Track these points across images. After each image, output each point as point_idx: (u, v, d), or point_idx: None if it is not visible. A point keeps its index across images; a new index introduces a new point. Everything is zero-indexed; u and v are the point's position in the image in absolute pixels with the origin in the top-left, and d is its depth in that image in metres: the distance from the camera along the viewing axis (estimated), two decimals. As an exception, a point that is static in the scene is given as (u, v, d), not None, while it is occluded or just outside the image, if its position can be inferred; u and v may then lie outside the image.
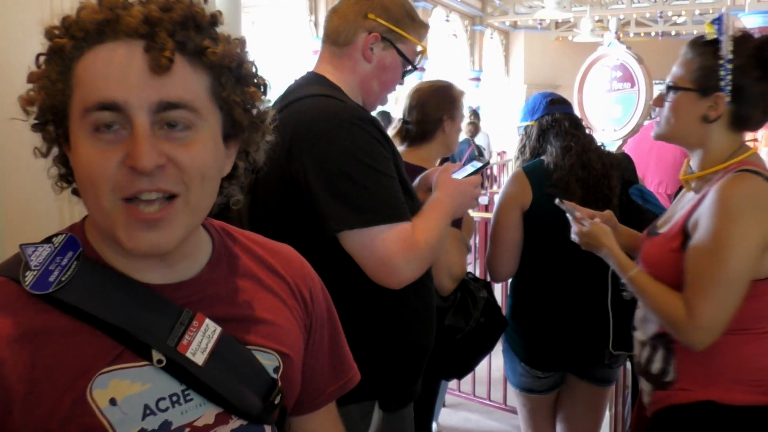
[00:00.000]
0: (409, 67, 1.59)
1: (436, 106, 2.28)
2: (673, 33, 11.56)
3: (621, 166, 2.13)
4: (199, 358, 0.78)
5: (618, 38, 4.16)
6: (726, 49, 1.46)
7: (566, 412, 2.27)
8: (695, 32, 11.21)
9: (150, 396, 0.76)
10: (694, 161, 1.59)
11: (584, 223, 1.76)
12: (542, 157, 2.13)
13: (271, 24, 9.55)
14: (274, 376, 0.86)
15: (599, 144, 2.23)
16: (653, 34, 11.63)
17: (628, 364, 2.32)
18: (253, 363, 0.84)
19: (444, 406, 3.60)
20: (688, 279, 1.44)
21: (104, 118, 0.71)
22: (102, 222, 0.75)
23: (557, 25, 12.02)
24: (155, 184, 0.72)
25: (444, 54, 11.42)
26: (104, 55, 0.72)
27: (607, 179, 2.05)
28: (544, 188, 2.05)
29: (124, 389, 0.74)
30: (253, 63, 0.84)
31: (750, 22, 6.38)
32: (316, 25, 7.80)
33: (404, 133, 2.34)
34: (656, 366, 1.56)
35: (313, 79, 1.55)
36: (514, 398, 2.38)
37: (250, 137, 0.86)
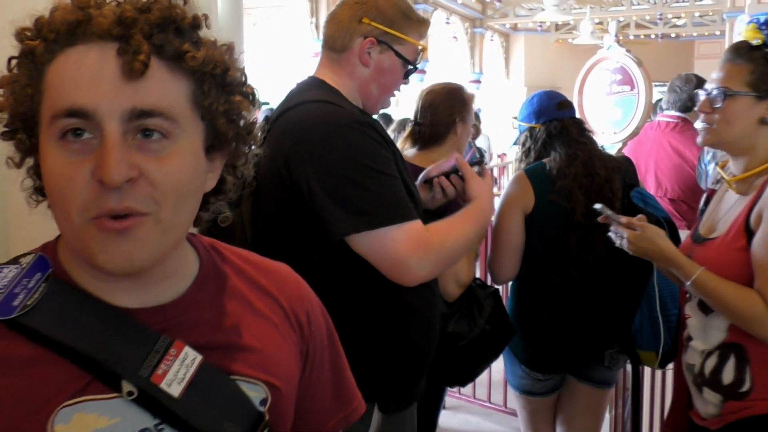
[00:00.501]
0: (411, 68, 1.59)
1: (449, 109, 2.27)
2: (672, 35, 11.56)
3: (622, 169, 2.12)
4: (176, 390, 0.71)
5: (618, 41, 4.16)
6: None
7: (566, 415, 2.27)
8: (695, 34, 11.24)
9: (118, 431, 0.69)
10: (737, 164, 1.62)
11: (636, 227, 1.67)
12: (544, 160, 2.13)
13: (272, 26, 9.58)
14: (261, 408, 0.78)
15: (600, 147, 2.23)
16: (653, 36, 11.63)
17: (628, 366, 2.32)
18: (237, 395, 0.77)
19: (444, 408, 3.59)
20: (760, 271, 1.45)
21: (71, 123, 0.65)
22: (73, 239, 0.69)
23: (557, 27, 12.02)
24: (123, 203, 0.66)
25: (444, 56, 11.43)
26: (75, 59, 0.67)
27: (609, 183, 2.05)
28: (546, 192, 2.05)
29: (90, 423, 0.68)
30: (241, 71, 0.77)
31: (750, 24, 6.36)
32: (317, 27, 7.80)
33: (416, 135, 2.32)
34: (728, 376, 1.54)
35: (313, 83, 1.55)
36: (515, 401, 2.38)
37: (237, 150, 0.79)
